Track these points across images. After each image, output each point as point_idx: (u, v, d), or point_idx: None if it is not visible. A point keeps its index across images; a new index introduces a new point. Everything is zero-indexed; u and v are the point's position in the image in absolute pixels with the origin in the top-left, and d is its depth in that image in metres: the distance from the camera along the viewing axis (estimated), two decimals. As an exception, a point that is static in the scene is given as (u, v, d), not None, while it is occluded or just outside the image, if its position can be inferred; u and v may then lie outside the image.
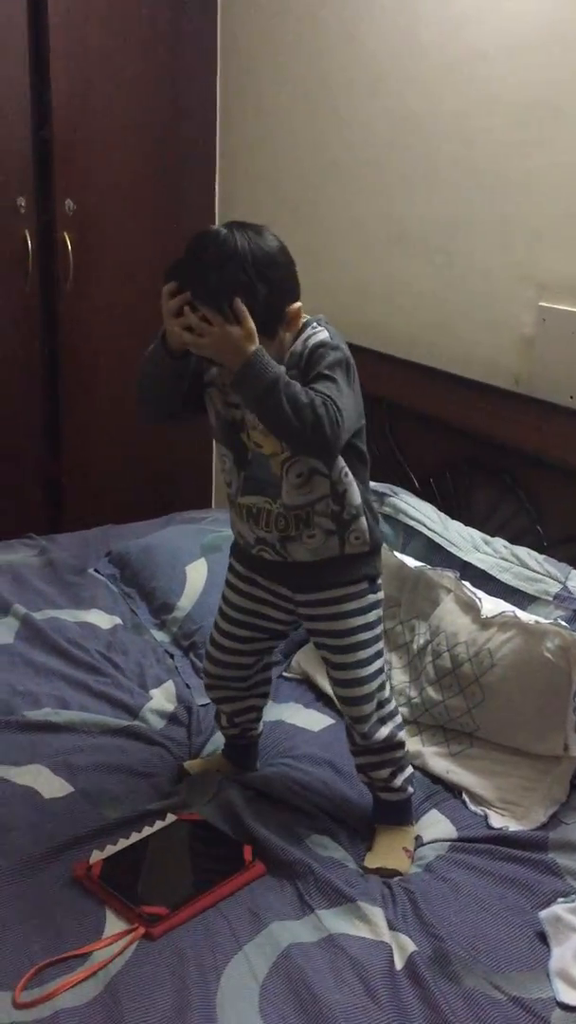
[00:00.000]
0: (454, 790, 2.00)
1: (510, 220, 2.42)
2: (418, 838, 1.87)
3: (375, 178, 2.81)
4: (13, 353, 3.31)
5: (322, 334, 1.67)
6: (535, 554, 2.26)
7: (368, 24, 2.75)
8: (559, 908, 1.62)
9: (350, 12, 2.80)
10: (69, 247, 3.25)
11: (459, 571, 2.26)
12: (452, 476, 2.60)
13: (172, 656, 2.45)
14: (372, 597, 1.81)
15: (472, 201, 2.52)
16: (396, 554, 2.33)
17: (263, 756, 2.07)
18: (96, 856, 1.71)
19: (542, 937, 1.60)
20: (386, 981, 1.51)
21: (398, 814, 1.87)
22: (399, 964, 1.54)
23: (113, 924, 1.59)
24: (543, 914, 1.63)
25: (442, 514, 2.49)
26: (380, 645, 1.84)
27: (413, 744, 2.06)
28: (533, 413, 2.35)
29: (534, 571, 2.22)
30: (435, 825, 1.91)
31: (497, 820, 1.91)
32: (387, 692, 1.86)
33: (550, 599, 2.15)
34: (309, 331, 1.68)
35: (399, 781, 1.86)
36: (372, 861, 1.78)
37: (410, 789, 1.88)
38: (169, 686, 2.32)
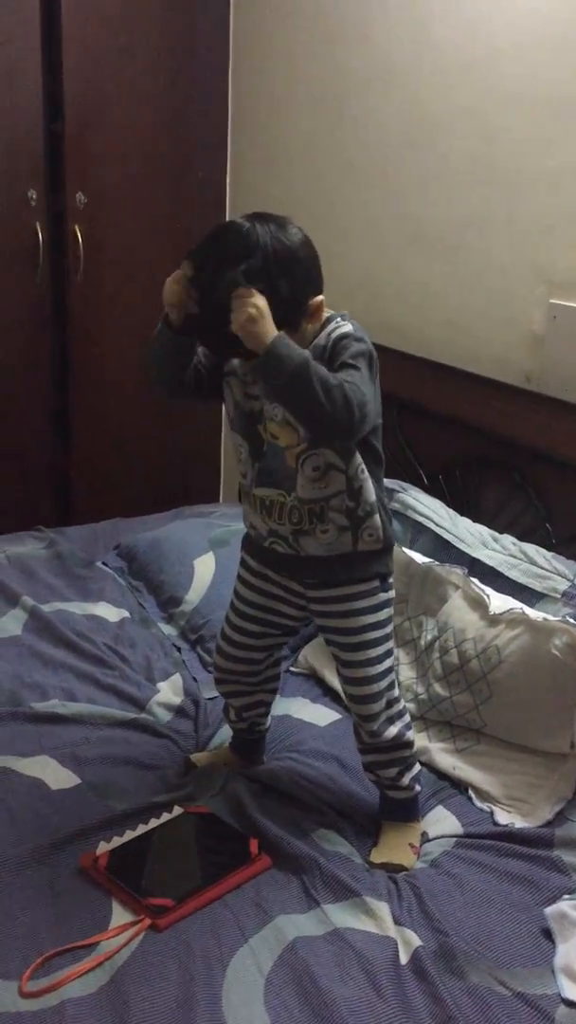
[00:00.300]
0: (460, 786, 2.01)
1: (522, 217, 2.42)
2: (424, 834, 1.87)
3: (388, 176, 2.81)
4: (23, 345, 3.32)
5: (346, 327, 1.67)
6: (544, 551, 2.26)
7: (382, 22, 2.74)
8: (565, 905, 1.62)
9: (364, 10, 2.79)
10: (80, 240, 3.25)
11: (467, 567, 2.26)
12: (461, 473, 2.60)
13: (179, 649, 2.46)
14: (383, 596, 1.81)
15: (485, 199, 2.51)
16: (404, 550, 2.33)
17: (270, 750, 2.08)
18: (103, 847, 1.72)
19: (547, 933, 1.60)
20: (391, 975, 1.51)
21: (405, 811, 1.87)
22: (404, 959, 1.55)
23: (120, 915, 1.60)
24: (548, 911, 1.63)
25: (451, 510, 2.49)
26: (390, 644, 1.83)
27: (419, 740, 2.06)
28: (543, 410, 2.35)
29: (543, 568, 2.22)
30: (441, 821, 1.91)
31: (503, 816, 1.91)
32: (396, 691, 1.86)
33: (558, 596, 2.15)
34: (333, 325, 1.68)
35: (406, 780, 1.86)
36: (378, 856, 1.78)
37: (417, 787, 1.88)
38: (176, 679, 2.32)
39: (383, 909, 1.64)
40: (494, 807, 1.93)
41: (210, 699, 2.23)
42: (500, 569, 2.27)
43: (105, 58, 3.15)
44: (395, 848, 1.80)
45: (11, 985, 1.45)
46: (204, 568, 2.60)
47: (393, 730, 1.84)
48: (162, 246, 3.32)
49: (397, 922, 1.62)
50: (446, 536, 2.40)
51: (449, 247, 2.64)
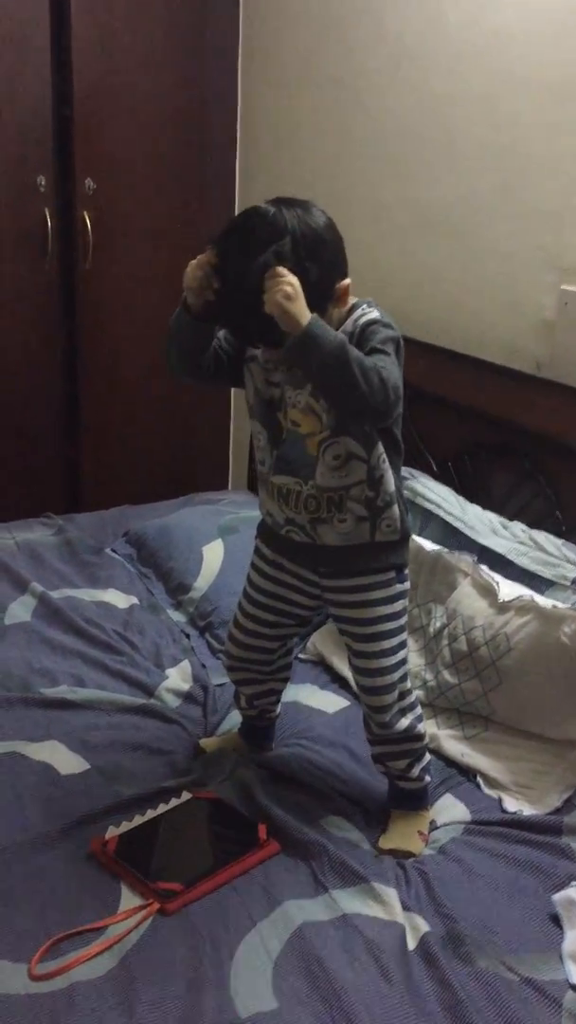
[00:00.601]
0: (468, 773, 2.01)
1: (533, 203, 2.41)
2: (432, 822, 1.87)
3: (398, 161, 2.79)
4: (32, 332, 3.31)
5: (374, 313, 1.66)
6: (553, 538, 2.26)
7: (392, 5, 2.72)
8: (573, 891, 1.62)
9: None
10: (88, 226, 3.24)
11: (476, 555, 2.26)
12: (471, 460, 2.59)
13: (188, 636, 2.46)
14: (399, 587, 1.80)
15: (496, 185, 2.50)
16: (414, 537, 2.32)
17: (278, 736, 2.08)
18: (112, 832, 1.73)
19: (555, 920, 1.60)
20: (399, 961, 1.51)
21: (414, 800, 1.87)
22: (412, 944, 1.55)
23: (128, 899, 1.60)
24: (557, 897, 1.63)
25: (460, 497, 2.48)
26: (404, 636, 1.83)
27: (428, 727, 2.05)
28: (554, 397, 2.34)
29: (552, 556, 2.22)
30: (449, 808, 1.91)
31: (511, 804, 1.91)
32: (409, 683, 1.85)
33: (568, 584, 2.15)
34: (359, 311, 1.67)
35: (416, 771, 1.85)
36: (386, 842, 1.79)
37: (427, 778, 1.88)
38: (185, 665, 2.33)
39: (391, 895, 1.64)
40: (502, 794, 1.93)
41: (219, 685, 2.24)
42: (509, 556, 2.26)
43: (114, 43, 3.14)
44: (404, 835, 1.80)
45: (20, 968, 1.46)
46: (213, 555, 2.60)
47: (405, 722, 1.83)
48: (171, 232, 3.31)
49: (405, 908, 1.62)
50: (455, 523, 2.40)
51: (459, 233, 2.62)
